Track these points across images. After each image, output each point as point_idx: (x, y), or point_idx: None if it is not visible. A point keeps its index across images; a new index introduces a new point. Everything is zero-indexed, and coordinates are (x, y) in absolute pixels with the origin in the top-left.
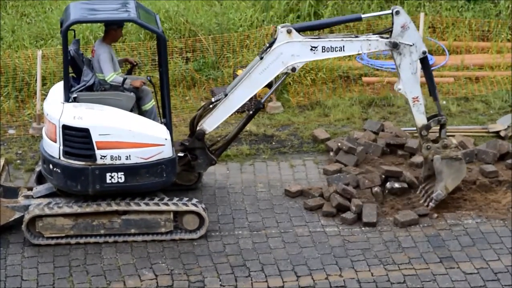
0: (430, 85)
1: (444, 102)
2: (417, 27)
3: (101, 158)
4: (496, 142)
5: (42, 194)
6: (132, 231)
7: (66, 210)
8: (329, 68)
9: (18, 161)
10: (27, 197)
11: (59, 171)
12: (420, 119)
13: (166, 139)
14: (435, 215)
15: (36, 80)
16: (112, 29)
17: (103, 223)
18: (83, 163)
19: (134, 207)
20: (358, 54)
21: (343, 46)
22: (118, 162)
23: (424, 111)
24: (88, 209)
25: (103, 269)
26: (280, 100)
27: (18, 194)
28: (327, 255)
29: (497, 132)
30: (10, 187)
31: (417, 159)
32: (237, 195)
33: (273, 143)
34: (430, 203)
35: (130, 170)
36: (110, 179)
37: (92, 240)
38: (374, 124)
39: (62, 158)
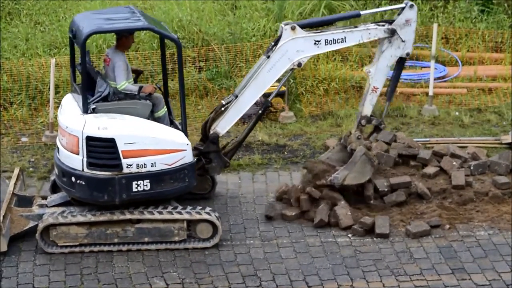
0: (392, 86)
1: (457, 113)
2: (431, 38)
3: (127, 167)
4: (508, 153)
5: (57, 203)
6: (146, 239)
7: (80, 218)
8: (342, 78)
9: (31, 169)
10: (41, 206)
11: (83, 183)
12: (367, 109)
13: (187, 144)
14: (447, 226)
15: (49, 88)
16: (124, 37)
17: (116, 232)
18: (109, 173)
19: (147, 216)
20: (359, 44)
21: (345, 37)
22: (144, 170)
23: (374, 105)
24: (101, 218)
25: (114, 277)
26: (292, 110)
27: (32, 203)
28: (339, 266)
29: (510, 144)
30: (25, 196)
31: (430, 170)
32: (249, 205)
33: (285, 152)
34: (323, 181)
35: (156, 177)
36: (136, 187)
37: (106, 248)
38: (386, 134)
39: (86, 169)
